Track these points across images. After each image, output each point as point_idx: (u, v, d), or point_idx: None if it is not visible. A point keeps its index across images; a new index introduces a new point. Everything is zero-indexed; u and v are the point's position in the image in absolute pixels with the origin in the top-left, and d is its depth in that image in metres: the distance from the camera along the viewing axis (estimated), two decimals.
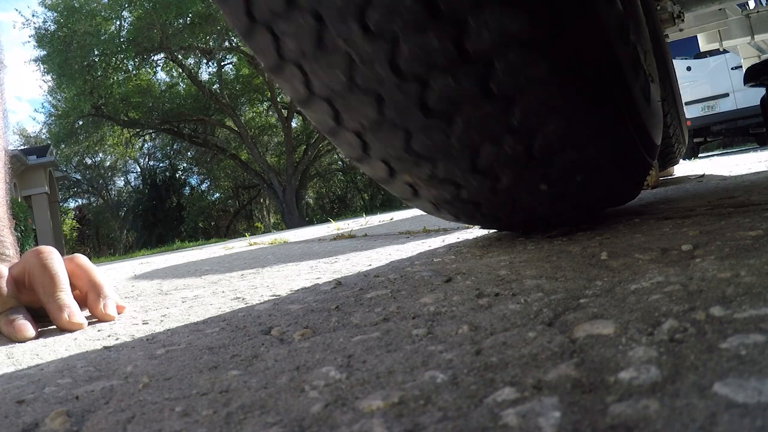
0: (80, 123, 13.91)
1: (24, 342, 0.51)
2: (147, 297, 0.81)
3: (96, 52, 12.39)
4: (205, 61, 14.57)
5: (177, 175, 18.05)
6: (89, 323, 0.56)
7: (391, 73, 0.47)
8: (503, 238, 0.74)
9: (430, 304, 0.37)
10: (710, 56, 7.47)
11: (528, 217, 0.64)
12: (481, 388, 0.21)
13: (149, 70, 14.40)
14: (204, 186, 19.06)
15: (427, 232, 1.10)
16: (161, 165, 18.43)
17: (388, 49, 0.46)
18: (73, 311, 0.54)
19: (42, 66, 12.70)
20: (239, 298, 0.60)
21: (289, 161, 14.38)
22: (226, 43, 13.60)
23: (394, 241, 1.07)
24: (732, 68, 7.32)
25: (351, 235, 1.55)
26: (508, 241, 0.68)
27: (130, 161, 19.09)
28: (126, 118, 14.17)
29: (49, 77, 13.22)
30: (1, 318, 0.55)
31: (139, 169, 19.03)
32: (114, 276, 1.53)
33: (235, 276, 0.86)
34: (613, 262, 0.42)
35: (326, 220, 6.35)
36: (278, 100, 14.50)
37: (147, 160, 18.70)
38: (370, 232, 1.56)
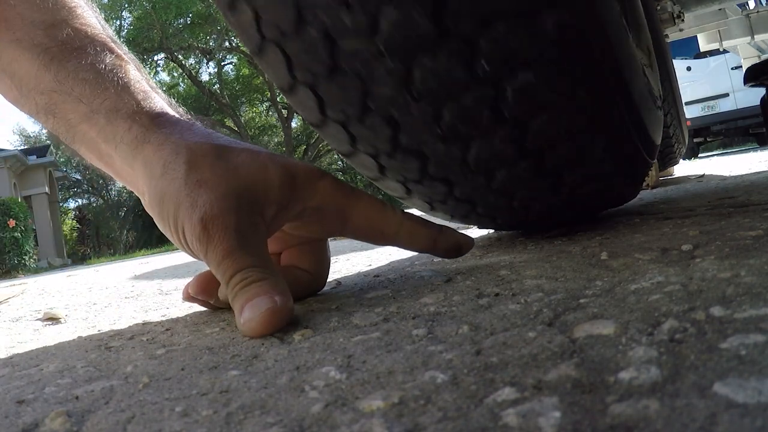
0: None
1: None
2: (147, 297, 0.81)
3: None
4: (205, 61, 14.56)
5: None
6: (86, 324, 0.56)
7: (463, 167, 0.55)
8: (503, 238, 0.74)
9: (430, 304, 0.37)
10: (710, 56, 7.46)
11: (528, 218, 0.64)
12: (481, 388, 0.21)
13: (150, 71, 14.40)
14: None
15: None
16: None
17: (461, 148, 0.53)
18: None
19: None
20: None
21: None
22: (226, 43, 13.59)
23: None
24: (732, 68, 7.31)
25: None
26: (508, 241, 0.68)
27: None
28: None
29: None
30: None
31: None
32: (114, 276, 1.54)
33: None
34: (613, 262, 0.42)
35: None
36: (278, 100, 14.49)
37: None
38: None
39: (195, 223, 0.38)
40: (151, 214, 0.43)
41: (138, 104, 0.44)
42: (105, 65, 0.45)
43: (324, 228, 0.46)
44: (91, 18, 0.48)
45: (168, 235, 0.42)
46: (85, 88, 0.44)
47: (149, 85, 0.48)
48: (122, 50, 0.49)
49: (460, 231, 0.50)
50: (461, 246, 0.49)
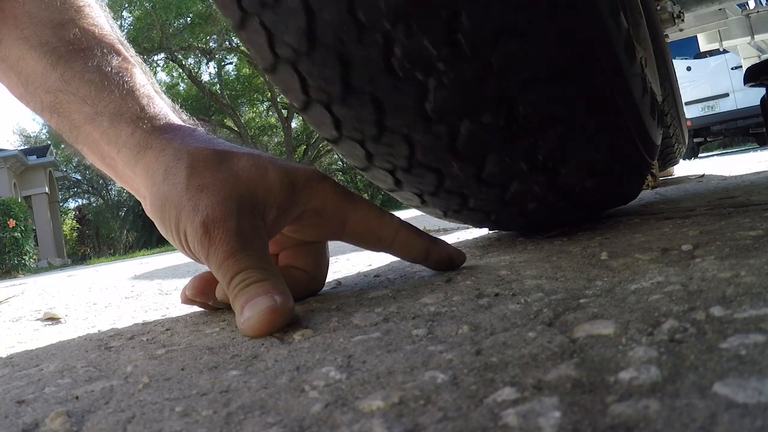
0: None
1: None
2: (147, 297, 0.81)
3: None
4: (205, 61, 14.57)
5: None
6: (86, 324, 0.56)
7: (477, 182, 0.56)
8: (503, 238, 0.74)
9: (430, 304, 0.37)
10: (710, 56, 7.46)
11: (530, 219, 0.65)
12: (481, 388, 0.21)
13: (150, 71, 14.39)
14: None
15: (427, 233, 1.09)
16: None
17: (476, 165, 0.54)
18: None
19: None
20: None
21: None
22: (226, 43, 13.59)
23: None
24: (732, 68, 7.31)
25: None
26: (508, 241, 0.68)
27: None
28: None
29: None
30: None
31: None
32: (114, 276, 1.54)
33: None
34: (613, 262, 0.42)
35: None
36: (278, 100, 14.49)
37: None
38: None
39: (197, 227, 0.38)
40: (152, 219, 0.43)
41: (142, 109, 0.44)
42: (111, 68, 0.45)
43: (322, 231, 0.47)
44: (99, 18, 0.48)
45: (169, 238, 0.42)
46: (91, 90, 0.44)
47: (154, 90, 0.48)
48: (129, 53, 0.49)
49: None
50: (453, 260, 0.50)
